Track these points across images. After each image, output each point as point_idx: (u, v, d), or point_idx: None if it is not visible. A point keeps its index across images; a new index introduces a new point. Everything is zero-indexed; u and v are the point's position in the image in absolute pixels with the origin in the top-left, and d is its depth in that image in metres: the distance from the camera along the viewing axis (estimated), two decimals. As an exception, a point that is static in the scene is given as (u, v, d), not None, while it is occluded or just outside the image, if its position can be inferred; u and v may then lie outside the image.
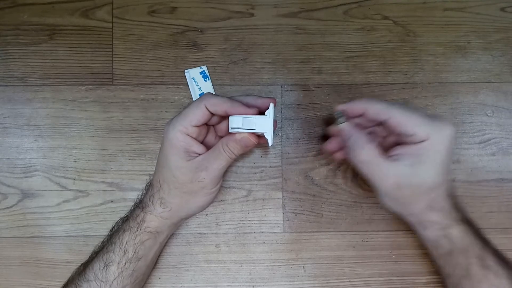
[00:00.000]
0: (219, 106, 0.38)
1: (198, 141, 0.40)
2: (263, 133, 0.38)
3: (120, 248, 0.40)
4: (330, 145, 0.42)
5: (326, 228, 0.47)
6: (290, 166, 0.48)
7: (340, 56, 0.48)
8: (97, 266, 0.39)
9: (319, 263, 0.47)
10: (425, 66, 0.48)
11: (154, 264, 0.45)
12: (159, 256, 0.45)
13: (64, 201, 0.47)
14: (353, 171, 0.47)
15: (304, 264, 0.47)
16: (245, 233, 0.47)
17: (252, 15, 0.49)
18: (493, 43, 0.49)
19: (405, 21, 0.49)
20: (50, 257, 0.46)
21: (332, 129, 0.41)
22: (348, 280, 0.47)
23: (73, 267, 0.43)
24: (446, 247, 0.39)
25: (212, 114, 0.39)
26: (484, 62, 0.49)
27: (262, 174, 0.47)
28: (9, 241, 0.46)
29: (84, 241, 0.46)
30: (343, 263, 0.47)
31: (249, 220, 0.47)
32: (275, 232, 0.47)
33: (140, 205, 0.42)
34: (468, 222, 0.39)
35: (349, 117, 0.39)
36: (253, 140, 0.39)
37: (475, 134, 0.48)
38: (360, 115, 0.38)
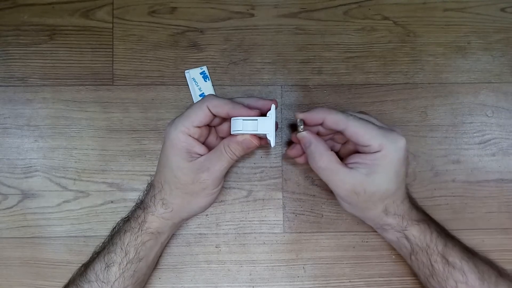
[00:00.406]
0: (221, 107, 0.38)
1: (200, 142, 0.40)
2: (265, 135, 0.38)
3: (122, 248, 0.40)
4: (292, 150, 0.43)
5: (326, 229, 0.47)
6: (290, 167, 0.48)
7: (340, 56, 0.48)
8: (98, 266, 0.40)
9: (319, 264, 0.47)
10: (425, 67, 0.49)
11: (155, 265, 0.45)
12: (160, 256, 0.45)
13: (64, 202, 0.47)
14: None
15: (304, 264, 0.47)
16: (245, 233, 0.47)
17: (252, 15, 0.49)
18: (493, 43, 0.49)
19: (405, 21, 0.49)
20: (50, 257, 0.46)
21: (294, 136, 0.42)
22: (348, 280, 0.47)
23: (73, 268, 0.43)
24: (407, 247, 0.41)
25: (214, 116, 0.39)
26: (484, 63, 0.49)
27: (262, 174, 0.47)
28: (10, 241, 0.47)
29: (84, 242, 0.46)
30: (343, 263, 0.47)
31: (249, 221, 0.47)
32: (275, 233, 0.47)
33: (141, 205, 0.42)
34: (428, 222, 0.41)
35: (309, 125, 0.40)
36: (255, 141, 0.39)
37: (475, 134, 0.48)
38: (320, 124, 0.40)
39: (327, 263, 0.47)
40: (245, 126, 0.38)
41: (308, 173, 0.47)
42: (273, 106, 0.38)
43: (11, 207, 0.47)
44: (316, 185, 0.47)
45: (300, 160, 0.44)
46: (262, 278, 0.47)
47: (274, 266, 0.47)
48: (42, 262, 0.46)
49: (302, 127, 0.40)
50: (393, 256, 0.47)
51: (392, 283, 0.47)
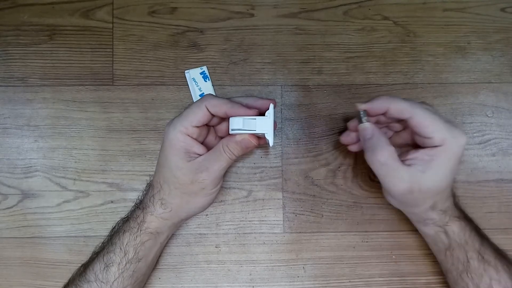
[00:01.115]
0: (220, 107, 0.38)
1: (199, 141, 0.40)
2: (264, 134, 0.38)
3: (121, 248, 0.40)
4: (347, 138, 0.43)
5: (326, 229, 0.47)
6: (290, 167, 0.48)
7: (340, 56, 0.48)
8: (98, 266, 0.40)
9: (319, 264, 0.47)
10: (425, 67, 0.48)
11: (154, 265, 0.45)
12: (159, 256, 0.45)
13: (64, 202, 0.47)
14: (353, 172, 0.47)
15: (304, 264, 0.47)
16: (245, 233, 0.47)
17: (252, 15, 0.49)
18: (493, 43, 0.49)
19: (405, 21, 0.49)
20: (50, 257, 0.46)
21: (353, 125, 0.41)
22: (348, 280, 0.47)
23: (73, 268, 0.43)
24: (445, 242, 0.40)
25: (213, 115, 0.39)
26: (484, 63, 0.49)
27: (262, 174, 0.47)
28: (10, 241, 0.47)
29: (84, 242, 0.46)
30: (343, 263, 0.47)
31: (249, 221, 0.47)
32: (275, 233, 0.47)
33: (140, 205, 0.42)
34: (466, 219, 0.41)
35: (372, 115, 0.39)
36: (254, 141, 0.39)
37: (475, 134, 0.48)
38: (382, 114, 0.39)
39: (327, 263, 0.47)
40: (243, 125, 0.38)
41: (308, 173, 0.47)
42: (271, 106, 0.38)
43: (11, 207, 0.47)
44: (316, 185, 0.47)
45: (353, 148, 0.43)
46: (262, 278, 0.47)
47: (274, 266, 0.47)
48: (42, 262, 0.46)
49: (365, 118, 0.39)
50: (393, 256, 0.47)
51: (392, 283, 0.47)
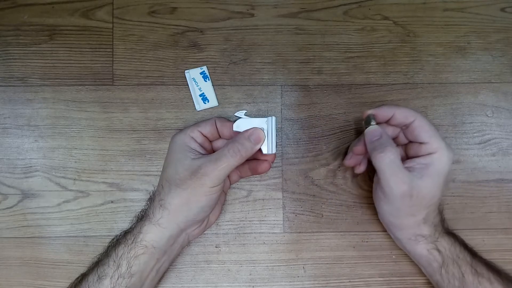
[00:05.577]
0: (226, 126, 0.42)
1: (202, 147, 0.42)
2: (262, 129, 0.41)
3: (114, 261, 0.39)
4: (351, 160, 0.44)
5: (326, 229, 0.47)
6: (290, 167, 0.48)
7: (340, 56, 0.48)
8: (92, 278, 0.38)
9: (319, 264, 0.47)
10: (425, 67, 0.48)
11: (155, 285, 0.43)
12: (162, 277, 0.44)
13: (64, 202, 0.47)
14: (353, 172, 0.47)
15: (304, 264, 0.47)
16: (245, 233, 0.47)
17: (252, 15, 0.49)
18: (493, 43, 0.49)
19: (405, 21, 0.49)
20: (50, 257, 0.46)
21: (357, 148, 0.43)
22: (348, 280, 0.47)
23: (73, 268, 0.43)
24: (438, 260, 0.41)
25: (218, 131, 0.42)
26: (484, 63, 0.49)
27: (262, 174, 0.47)
28: (10, 241, 0.47)
29: (84, 242, 0.46)
30: (343, 263, 0.47)
31: (249, 221, 0.47)
32: (275, 233, 0.47)
33: (139, 215, 0.42)
34: (454, 235, 0.42)
35: (379, 121, 0.42)
36: (261, 134, 0.40)
37: (475, 134, 0.48)
38: (388, 120, 0.41)
39: (327, 263, 0.47)
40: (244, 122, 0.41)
41: (308, 173, 0.47)
42: (272, 119, 0.41)
43: (11, 207, 0.47)
44: (316, 185, 0.47)
45: (360, 169, 0.45)
46: (262, 278, 0.47)
47: (274, 266, 0.47)
48: (42, 262, 0.46)
49: (374, 121, 0.41)
50: (393, 256, 0.47)
51: (392, 283, 0.47)
